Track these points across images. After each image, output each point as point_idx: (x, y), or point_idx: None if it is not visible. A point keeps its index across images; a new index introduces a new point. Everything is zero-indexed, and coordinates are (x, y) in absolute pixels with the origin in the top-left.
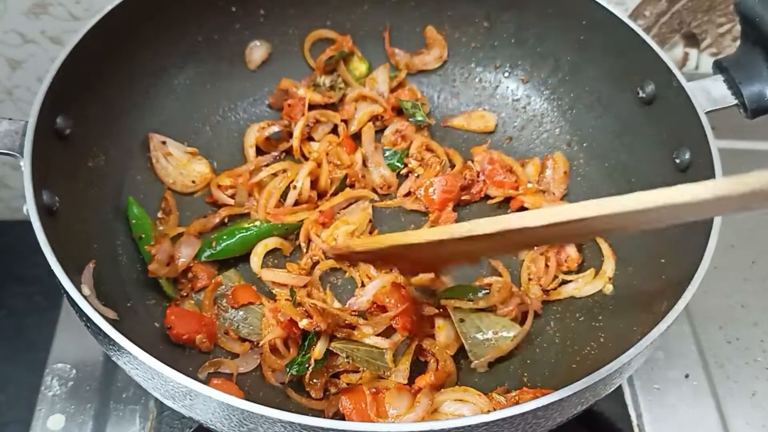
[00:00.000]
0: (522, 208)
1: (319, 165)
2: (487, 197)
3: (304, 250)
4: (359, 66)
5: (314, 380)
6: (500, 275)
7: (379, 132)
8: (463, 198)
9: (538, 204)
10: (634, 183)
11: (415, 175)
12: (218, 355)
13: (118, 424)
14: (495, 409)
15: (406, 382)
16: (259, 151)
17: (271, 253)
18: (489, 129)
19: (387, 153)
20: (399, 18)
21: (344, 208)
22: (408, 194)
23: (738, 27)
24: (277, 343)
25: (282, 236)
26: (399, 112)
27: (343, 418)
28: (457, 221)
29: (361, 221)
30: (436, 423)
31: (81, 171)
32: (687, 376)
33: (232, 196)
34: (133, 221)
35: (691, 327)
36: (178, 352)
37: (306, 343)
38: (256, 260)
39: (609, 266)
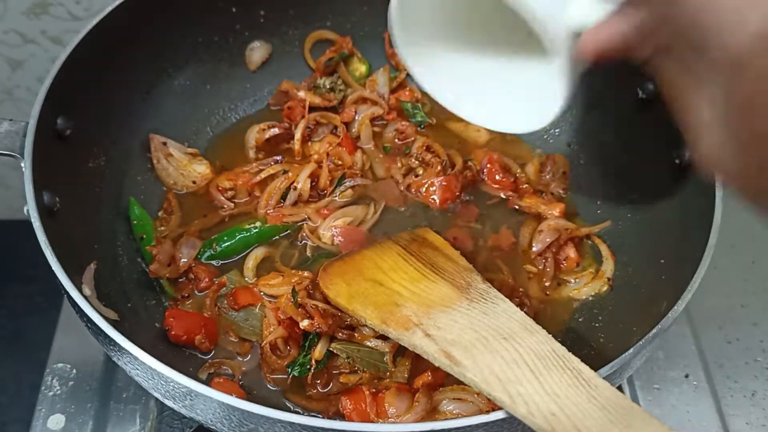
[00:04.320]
0: (520, 209)
1: (319, 165)
2: (487, 197)
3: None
4: (359, 67)
5: (314, 380)
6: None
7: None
8: (463, 198)
9: (536, 205)
10: (633, 183)
11: (415, 174)
12: (219, 355)
13: (118, 424)
14: (494, 409)
15: (405, 382)
16: (260, 152)
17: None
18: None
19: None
20: None
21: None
22: None
23: None
24: (278, 343)
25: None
26: (399, 112)
27: (343, 418)
28: (456, 221)
29: (358, 214)
30: (436, 423)
31: (81, 171)
32: (687, 376)
33: (233, 197)
34: (135, 222)
35: (691, 327)
36: (179, 353)
37: (307, 343)
38: (250, 275)
39: (608, 267)
